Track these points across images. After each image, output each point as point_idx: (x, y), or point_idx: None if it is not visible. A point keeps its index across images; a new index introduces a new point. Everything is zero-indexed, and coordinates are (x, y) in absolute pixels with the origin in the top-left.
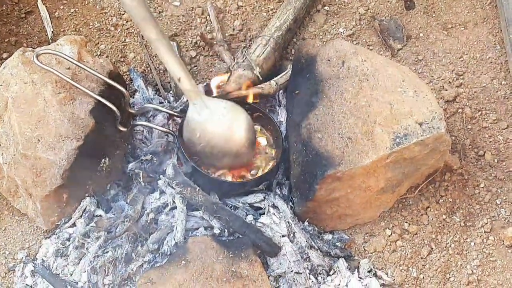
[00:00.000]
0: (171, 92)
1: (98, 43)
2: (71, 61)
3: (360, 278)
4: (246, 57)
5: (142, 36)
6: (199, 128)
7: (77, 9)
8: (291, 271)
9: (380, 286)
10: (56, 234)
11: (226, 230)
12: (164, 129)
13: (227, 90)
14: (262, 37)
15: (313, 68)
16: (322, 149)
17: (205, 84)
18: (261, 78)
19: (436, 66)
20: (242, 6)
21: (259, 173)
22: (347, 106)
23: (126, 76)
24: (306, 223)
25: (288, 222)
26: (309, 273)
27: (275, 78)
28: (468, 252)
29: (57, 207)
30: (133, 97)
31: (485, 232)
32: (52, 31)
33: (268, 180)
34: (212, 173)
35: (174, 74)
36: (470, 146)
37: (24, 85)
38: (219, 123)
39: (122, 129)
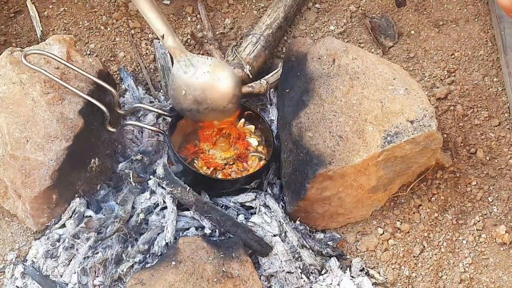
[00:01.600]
0: (161, 91)
1: (88, 42)
2: (59, 61)
3: (352, 277)
4: (236, 55)
5: (132, 35)
6: (185, 85)
7: (66, 8)
8: (283, 270)
9: (372, 285)
10: (46, 235)
11: (217, 230)
12: (154, 128)
13: None
14: (252, 35)
15: (304, 66)
16: (313, 148)
17: None
18: (251, 76)
19: (427, 63)
20: (233, 4)
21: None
22: (338, 105)
23: (116, 76)
24: (297, 222)
25: (280, 221)
26: (301, 273)
27: (265, 77)
28: (461, 250)
29: (46, 208)
30: (123, 97)
31: (477, 230)
32: (42, 30)
33: (259, 178)
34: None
35: (157, 31)
36: (462, 144)
37: (13, 85)
38: (204, 79)
39: (111, 129)
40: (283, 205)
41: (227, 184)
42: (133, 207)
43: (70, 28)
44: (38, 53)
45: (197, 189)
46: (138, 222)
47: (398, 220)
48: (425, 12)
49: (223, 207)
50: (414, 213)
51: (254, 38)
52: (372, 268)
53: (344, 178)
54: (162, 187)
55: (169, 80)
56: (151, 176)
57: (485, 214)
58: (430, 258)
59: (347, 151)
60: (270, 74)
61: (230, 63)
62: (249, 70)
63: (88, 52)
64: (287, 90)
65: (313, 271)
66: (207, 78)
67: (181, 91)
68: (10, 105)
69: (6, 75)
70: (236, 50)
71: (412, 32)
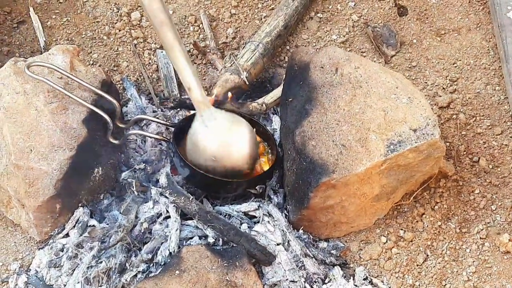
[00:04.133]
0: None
1: (91, 52)
2: (61, 72)
3: (356, 286)
4: (233, 62)
5: (135, 45)
6: (205, 140)
7: (69, 19)
8: (286, 279)
9: None
10: (50, 245)
11: (220, 239)
12: (158, 137)
13: (212, 93)
14: (251, 42)
15: (307, 75)
16: (316, 157)
17: None
18: (247, 83)
19: (429, 72)
20: (235, 14)
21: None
22: (340, 113)
23: (119, 85)
24: (301, 231)
25: (283, 230)
26: (305, 282)
27: (264, 98)
28: (464, 259)
29: (50, 217)
30: (126, 106)
31: (480, 238)
32: (45, 41)
33: (264, 184)
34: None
35: (184, 83)
36: (465, 152)
37: (16, 95)
38: (225, 136)
39: (114, 141)
40: (286, 214)
41: (232, 185)
42: (136, 217)
43: (73, 38)
44: (41, 65)
45: (204, 193)
46: (142, 231)
47: (402, 229)
48: (427, 21)
49: (226, 216)
50: (417, 221)
51: (253, 45)
52: (375, 277)
53: (347, 186)
54: (165, 197)
55: (189, 133)
56: (152, 186)
57: (488, 223)
58: (434, 266)
59: (350, 160)
60: (270, 96)
61: (227, 69)
62: (246, 77)
63: (91, 62)
64: (290, 99)
65: (316, 280)
66: (228, 135)
67: (200, 146)
68: (14, 115)
69: (9, 85)
70: (234, 56)
71: (414, 41)
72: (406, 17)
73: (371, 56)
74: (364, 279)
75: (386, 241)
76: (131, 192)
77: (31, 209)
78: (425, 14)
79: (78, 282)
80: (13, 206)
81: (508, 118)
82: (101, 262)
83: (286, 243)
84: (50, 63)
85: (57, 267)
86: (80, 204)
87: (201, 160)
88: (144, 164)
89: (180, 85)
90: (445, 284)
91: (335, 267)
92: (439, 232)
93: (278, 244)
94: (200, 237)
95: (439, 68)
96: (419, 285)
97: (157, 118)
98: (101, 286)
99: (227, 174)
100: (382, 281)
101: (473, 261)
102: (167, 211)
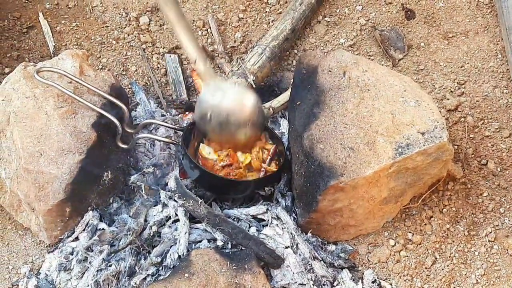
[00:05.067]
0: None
1: (100, 56)
2: (70, 77)
3: None
4: (241, 65)
5: (144, 49)
6: (210, 108)
7: (78, 23)
8: (295, 282)
9: None
10: (59, 248)
11: (229, 242)
12: (167, 140)
13: None
14: (258, 46)
15: (315, 79)
16: (324, 160)
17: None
18: (254, 86)
19: (437, 75)
20: (243, 18)
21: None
22: (348, 117)
23: (128, 89)
24: (309, 234)
25: (291, 233)
26: (313, 285)
27: (271, 102)
28: (473, 262)
29: (60, 221)
30: (135, 110)
31: (489, 241)
32: (54, 45)
33: (272, 185)
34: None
35: (190, 56)
36: (473, 155)
37: (26, 99)
38: (229, 104)
39: (122, 145)
40: (295, 217)
41: (241, 185)
42: (145, 220)
43: (82, 43)
44: (50, 70)
45: (213, 196)
46: (151, 234)
47: (410, 232)
48: (434, 25)
49: (235, 220)
50: (425, 224)
51: (260, 49)
52: (384, 280)
53: (356, 189)
54: (174, 200)
55: (196, 102)
56: (161, 190)
57: (496, 225)
58: (442, 269)
59: (358, 163)
60: (277, 100)
61: (234, 73)
62: (253, 80)
63: (100, 67)
64: (298, 103)
65: (325, 283)
66: (232, 103)
67: (207, 113)
68: (23, 119)
69: (19, 89)
70: (241, 60)
71: (422, 44)
72: (413, 21)
73: (379, 59)
74: (372, 282)
75: (395, 244)
76: (140, 195)
77: (41, 212)
78: (433, 18)
79: (88, 285)
80: (23, 209)
81: None
82: (110, 266)
83: (295, 246)
84: (59, 68)
85: (67, 270)
86: (89, 208)
87: (209, 127)
88: (153, 168)
89: (188, 88)
90: (454, 287)
91: (344, 270)
92: (447, 235)
93: (286, 247)
94: (209, 240)
95: (446, 71)
96: None
97: (166, 122)
98: None
99: (233, 141)
100: (391, 284)
101: (482, 264)
102: (176, 215)
